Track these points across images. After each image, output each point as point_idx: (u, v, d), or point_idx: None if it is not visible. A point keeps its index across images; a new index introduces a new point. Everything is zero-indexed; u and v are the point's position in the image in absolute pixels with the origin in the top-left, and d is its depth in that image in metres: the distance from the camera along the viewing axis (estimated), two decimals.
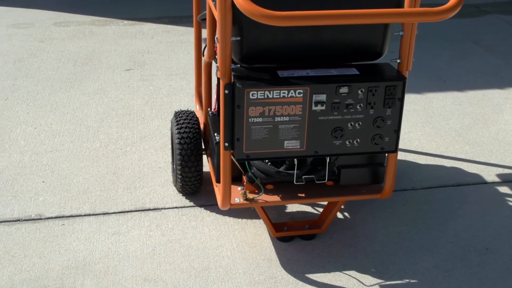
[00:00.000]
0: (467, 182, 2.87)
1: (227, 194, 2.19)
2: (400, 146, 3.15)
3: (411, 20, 1.86)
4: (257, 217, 2.56)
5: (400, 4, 2.03)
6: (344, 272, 2.30)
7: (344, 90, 2.04)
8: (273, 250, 2.40)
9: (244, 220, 2.56)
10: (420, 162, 3.03)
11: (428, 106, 3.62)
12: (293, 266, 2.32)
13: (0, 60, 4.18)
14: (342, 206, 2.68)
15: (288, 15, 1.70)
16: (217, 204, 2.34)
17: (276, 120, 2.05)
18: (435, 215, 2.63)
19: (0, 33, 4.73)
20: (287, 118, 2.05)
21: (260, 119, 2.04)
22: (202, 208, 2.63)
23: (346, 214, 2.63)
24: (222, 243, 2.43)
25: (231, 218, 2.57)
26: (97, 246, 2.40)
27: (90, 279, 2.23)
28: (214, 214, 2.60)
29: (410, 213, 2.64)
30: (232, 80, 2.00)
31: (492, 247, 2.45)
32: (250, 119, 2.03)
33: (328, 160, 2.23)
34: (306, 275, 2.28)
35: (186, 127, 2.55)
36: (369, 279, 2.26)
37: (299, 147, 2.10)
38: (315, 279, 2.26)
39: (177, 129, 2.56)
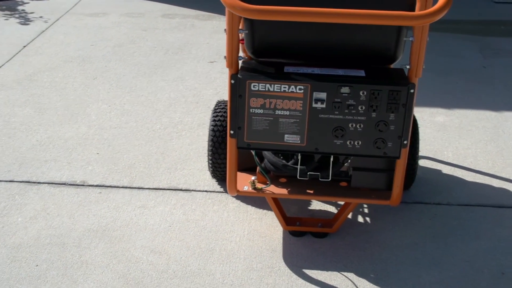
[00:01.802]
0: (509, 205, 2.73)
1: (232, 180, 2.28)
2: (453, 161, 3.06)
3: (387, 22, 1.83)
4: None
5: (413, 8, 2.01)
6: (342, 273, 2.31)
7: (345, 90, 2.05)
8: (281, 242, 2.45)
9: (265, 211, 2.63)
10: (466, 179, 2.92)
11: (500, 124, 3.46)
12: (294, 259, 2.36)
13: (102, 44, 4.55)
14: (366, 211, 2.66)
15: (263, 9, 1.76)
16: None
17: (276, 113, 2.11)
18: (461, 232, 2.55)
19: (113, 20, 5.14)
20: (287, 113, 2.10)
21: (261, 111, 2.11)
22: (230, 195, 2.73)
23: (367, 219, 2.62)
24: (234, 229, 2.52)
25: (253, 207, 2.66)
26: (122, 215, 2.59)
27: (104, 243, 2.42)
28: (238, 202, 2.70)
29: (434, 227, 2.57)
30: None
31: (509, 272, 2.33)
32: (251, 110, 2.11)
33: (331, 159, 2.25)
34: (303, 270, 2.31)
35: (221, 116, 2.67)
36: (364, 284, 2.25)
37: (299, 142, 2.15)
38: (310, 274, 2.29)
39: (213, 116, 2.69)
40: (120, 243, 2.43)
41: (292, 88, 2.07)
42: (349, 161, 2.37)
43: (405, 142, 2.15)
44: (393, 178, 2.29)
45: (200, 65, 4.19)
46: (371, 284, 2.25)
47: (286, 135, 2.14)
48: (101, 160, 3.00)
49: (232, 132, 2.18)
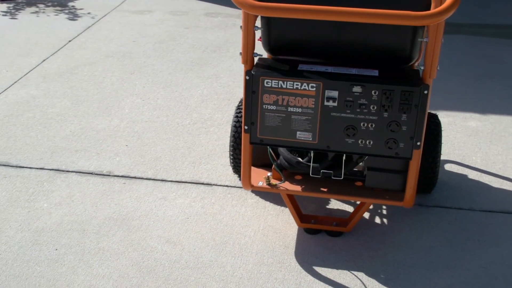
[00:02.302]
0: None
1: (246, 175, 2.32)
2: (481, 166, 3.02)
3: (392, 22, 1.81)
4: None
5: (428, 7, 1.99)
6: (352, 272, 2.31)
7: (357, 89, 2.06)
8: (294, 239, 2.47)
9: (282, 208, 2.66)
10: (493, 185, 2.87)
11: None
12: (305, 256, 2.38)
13: (144, 40, 4.66)
14: (384, 212, 2.65)
15: (270, 6, 1.79)
16: None
17: (289, 110, 2.13)
18: (480, 238, 2.51)
19: (157, 17, 5.25)
20: (299, 110, 2.12)
21: (274, 107, 2.14)
22: (250, 191, 2.77)
23: (384, 220, 2.61)
24: (250, 224, 2.56)
25: (271, 204, 2.68)
26: (142, 205, 2.66)
27: (122, 232, 2.50)
28: (257, 198, 2.73)
29: (452, 231, 2.54)
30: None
31: None
32: (264, 106, 2.14)
33: (344, 158, 2.26)
34: (314, 266, 2.33)
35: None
36: (372, 284, 2.25)
37: (311, 139, 2.17)
38: (320, 272, 2.30)
39: (236, 113, 2.73)
40: (137, 232, 2.50)
41: (305, 86, 2.08)
42: (364, 160, 2.37)
43: (418, 143, 2.13)
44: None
45: (236, 63, 4.24)
46: (380, 285, 2.25)
47: (298, 132, 2.16)
48: (129, 152, 3.08)
49: (246, 127, 2.21)
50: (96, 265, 2.31)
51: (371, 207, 2.69)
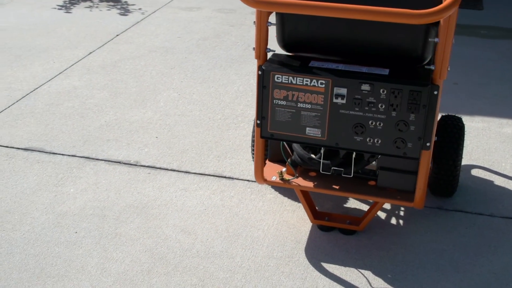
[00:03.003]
0: None
1: (259, 169, 2.36)
2: (510, 173, 2.96)
3: (389, 19, 1.80)
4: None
5: None
6: (359, 270, 2.32)
7: (365, 87, 2.07)
8: (307, 235, 2.50)
9: (299, 204, 2.68)
10: None
11: None
12: (314, 252, 2.40)
13: (188, 37, 4.76)
14: (402, 214, 2.64)
15: (271, 1, 1.82)
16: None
17: (299, 106, 2.16)
18: (495, 244, 2.47)
19: (204, 14, 5.35)
20: (309, 106, 2.15)
21: (284, 102, 2.17)
22: (270, 186, 2.81)
23: (400, 221, 2.60)
24: (265, 218, 2.60)
25: (289, 199, 2.71)
26: (163, 195, 2.74)
27: (140, 219, 2.58)
28: (276, 193, 2.77)
29: (468, 236, 2.51)
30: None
31: None
32: (274, 101, 2.18)
33: (353, 156, 2.27)
34: (322, 263, 2.35)
35: None
36: (378, 283, 2.25)
37: (320, 136, 2.19)
38: (327, 268, 2.32)
39: None
40: (155, 220, 2.57)
41: (314, 82, 2.11)
42: (376, 160, 2.37)
43: (427, 144, 2.12)
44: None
45: None
46: (386, 284, 2.25)
47: (307, 128, 2.19)
48: (158, 143, 3.18)
49: (258, 121, 2.25)
50: (111, 249, 2.40)
51: (388, 207, 2.68)
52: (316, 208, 2.58)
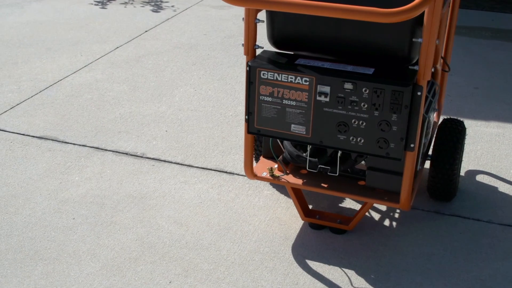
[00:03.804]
0: None
1: (248, 164, 2.39)
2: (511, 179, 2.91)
3: (357, 17, 1.80)
4: (309, 203, 2.67)
5: None
6: (343, 269, 2.32)
7: (348, 86, 2.08)
8: (297, 232, 2.52)
9: None
10: None
11: None
12: (301, 249, 2.42)
13: (214, 34, 4.83)
14: (396, 216, 2.63)
15: None
16: None
17: (284, 102, 2.19)
18: (488, 251, 2.43)
19: (234, 13, 5.41)
20: (294, 103, 2.17)
21: (270, 99, 2.20)
22: (268, 183, 2.84)
23: (394, 223, 2.59)
24: (258, 214, 2.63)
25: (285, 197, 2.74)
26: (162, 187, 2.81)
27: (136, 209, 2.65)
28: (274, 190, 2.80)
29: (461, 241, 2.48)
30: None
31: None
32: (261, 97, 2.21)
33: (339, 155, 2.28)
34: (306, 260, 2.36)
35: None
36: (359, 282, 2.26)
37: (304, 133, 2.21)
38: (311, 265, 2.33)
39: None
40: (150, 210, 2.64)
41: (298, 79, 2.13)
42: (365, 159, 2.37)
43: (411, 145, 2.12)
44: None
45: None
46: (367, 284, 2.25)
47: (292, 125, 2.21)
48: (167, 136, 3.24)
49: (247, 117, 2.29)
50: (104, 236, 2.48)
51: (383, 209, 2.67)
52: (309, 206, 2.59)
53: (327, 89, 2.10)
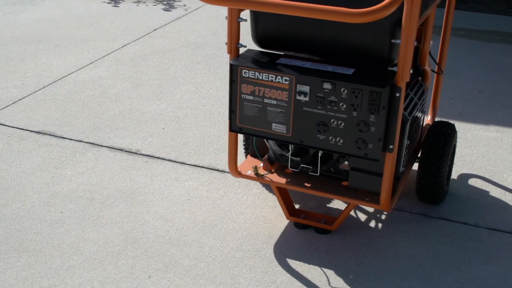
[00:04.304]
0: None
1: (232, 162, 2.41)
2: (510, 185, 2.87)
3: (327, 17, 1.79)
4: (297, 203, 2.68)
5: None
6: (322, 268, 2.32)
7: (327, 86, 2.08)
8: (281, 231, 2.52)
9: None
10: None
11: None
12: (284, 248, 2.42)
13: (222, 33, 4.86)
14: (383, 217, 2.63)
15: None
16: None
17: (265, 101, 2.20)
18: (471, 255, 2.41)
19: (246, 13, 5.40)
20: (274, 102, 2.18)
21: (251, 97, 2.21)
22: (259, 182, 2.85)
23: (379, 225, 2.58)
24: (245, 212, 2.64)
25: (274, 196, 2.74)
26: (153, 183, 2.84)
27: (124, 204, 2.68)
28: (263, 189, 2.80)
29: (445, 245, 2.46)
30: None
31: None
32: (242, 95, 2.22)
33: (320, 154, 2.28)
34: (287, 258, 2.37)
35: None
36: (338, 282, 2.25)
37: (285, 132, 2.21)
38: (291, 264, 2.34)
39: None
40: (138, 206, 2.67)
41: (279, 79, 2.14)
42: (348, 160, 2.37)
43: (390, 146, 2.11)
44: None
45: None
46: (344, 284, 2.25)
47: (273, 124, 2.22)
48: (163, 134, 3.27)
49: (229, 115, 2.30)
50: (89, 230, 2.51)
51: (371, 210, 2.67)
52: (296, 205, 2.60)
53: (306, 88, 2.11)
